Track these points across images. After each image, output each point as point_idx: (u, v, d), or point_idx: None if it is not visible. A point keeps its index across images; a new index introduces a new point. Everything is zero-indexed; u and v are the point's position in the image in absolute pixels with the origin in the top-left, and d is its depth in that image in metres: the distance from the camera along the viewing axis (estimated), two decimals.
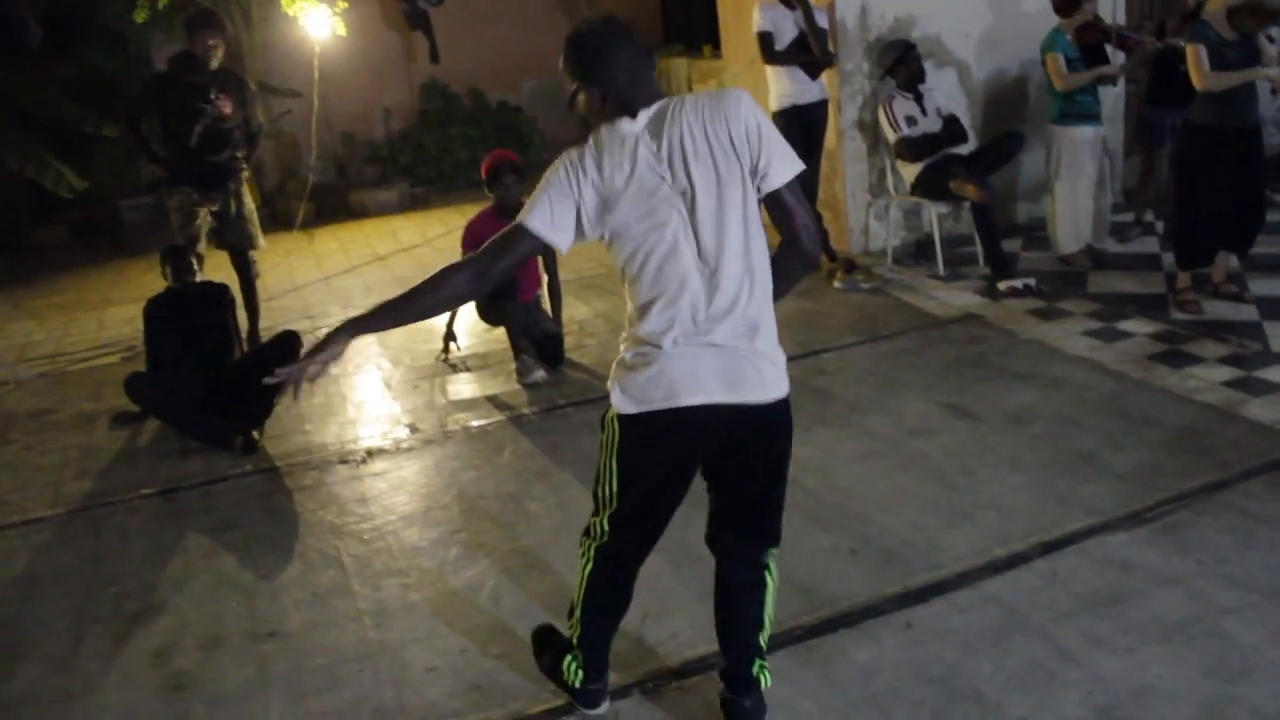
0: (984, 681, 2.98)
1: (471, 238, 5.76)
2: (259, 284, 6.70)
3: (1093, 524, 3.75)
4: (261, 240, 6.63)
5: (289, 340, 5.32)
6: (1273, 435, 4.33)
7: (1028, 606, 3.29)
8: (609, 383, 2.62)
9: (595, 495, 2.73)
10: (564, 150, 2.51)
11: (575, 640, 2.92)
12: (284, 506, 4.51)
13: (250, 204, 6.53)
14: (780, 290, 2.61)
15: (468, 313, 6.06)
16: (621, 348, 2.60)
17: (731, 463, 2.66)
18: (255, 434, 5.09)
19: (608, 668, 2.99)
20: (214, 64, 6.05)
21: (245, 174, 6.48)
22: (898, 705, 2.93)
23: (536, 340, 5.68)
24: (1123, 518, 3.77)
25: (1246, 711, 2.78)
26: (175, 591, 3.90)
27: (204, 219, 6.26)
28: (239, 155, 6.35)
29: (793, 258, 2.62)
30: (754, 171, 2.47)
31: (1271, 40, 5.63)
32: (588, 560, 2.80)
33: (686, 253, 2.46)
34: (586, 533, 2.80)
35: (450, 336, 5.99)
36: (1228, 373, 4.98)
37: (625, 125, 2.46)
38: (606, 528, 2.72)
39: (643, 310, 2.51)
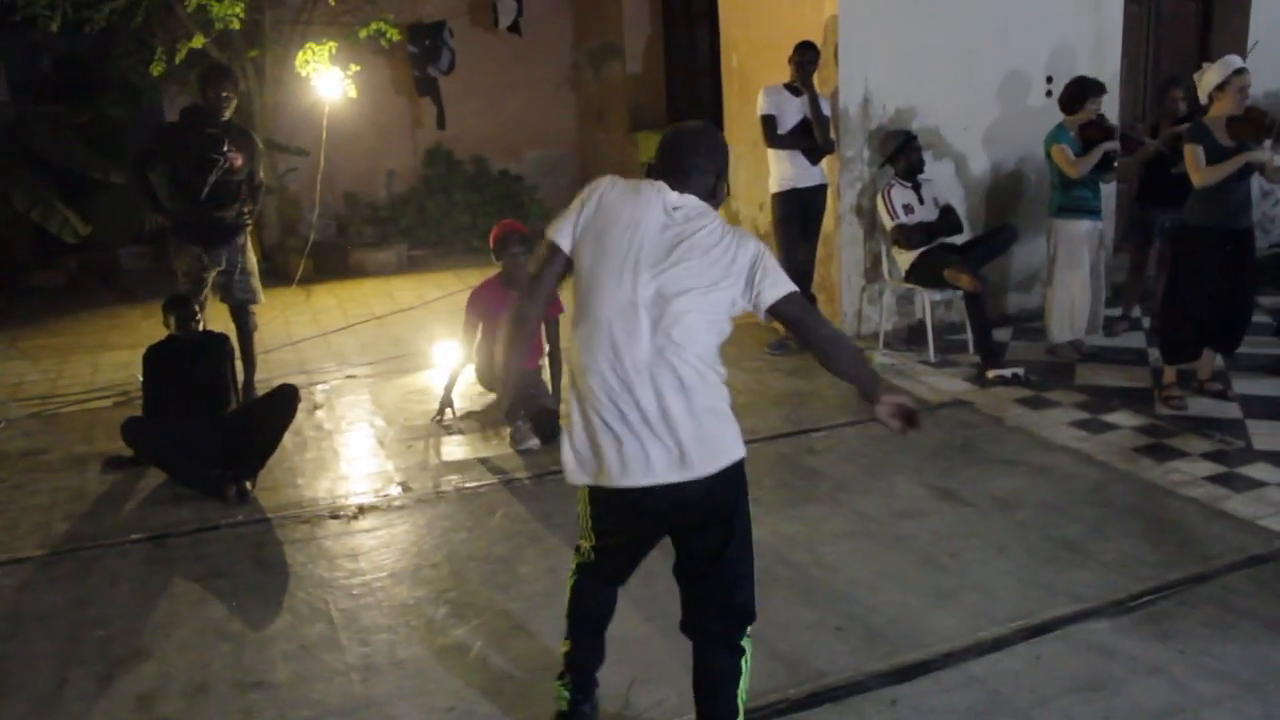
0: None
1: (475, 307, 5.81)
2: (256, 337, 6.75)
3: (1076, 610, 3.80)
4: (262, 295, 6.69)
5: (287, 394, 5.36)
6: (1253, 530, 4.40)
7: (1011, 689, 3.33)
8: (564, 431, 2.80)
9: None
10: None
11: (565, 660, 3.12)
12: (274, 558, 4.53)
13: (253, 259, 6.59)
14: (855, 372, 2.80)
15: (466, 376, 6.12)
16: (572, 397, 2.77)
17: (686, 526, 2.80)
18: (249, 484, 5.11)
19: (594, 693, 3.15)
20: (226, 115, 6.15)
21: (249, 228, 6.55)
22: None
23: (533, 415, 5.68)
24: (1106, 605, 3.83)
25: None
26: (162, 637, 3.90)
27: (210, 278, 6.32)
28: (245, 211, 6.41)
29: (836, 352, 2.77)
30: (749, 281, 2.68)
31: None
32: (573, 574, 3.03)
33: (639, 311, 2.62)
34: (577, 549, 3.02)
35: (448, 402, 6.04)
36: (1210, 468, 5.06)
37: (660, 181, 2.74)
38: (589, 550, 2.95)
39: (584, 361, 2.69)
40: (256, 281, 6.59)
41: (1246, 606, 3.80)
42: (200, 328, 5.61)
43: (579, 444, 2.72)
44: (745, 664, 2.86)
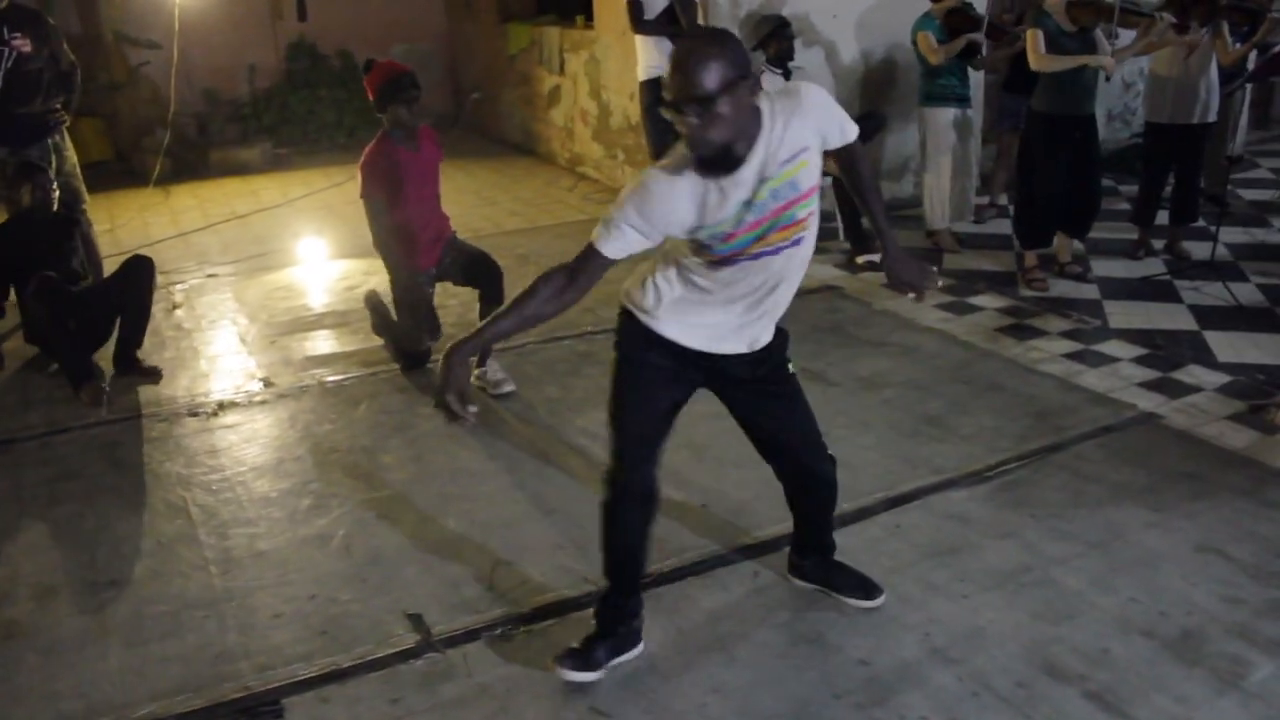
0: (827, 626, 3.08)
1: (375, 177, 4.62)
2: (103, 240, 6.36)
3: (936, 481, 3.90)
4: (85, 196, 6.23)
5: (141, 262, 5.17)
6: (1106, 403, 4.56)
7: (871, 557, 3.40)
8: None
9: None
10: None
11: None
12: (129, 458, 4.36)
13: (73, 158, 6.13)
14: None
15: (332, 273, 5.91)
16: None
17: None
18: (104, 385, 4.91)
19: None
20: (2, 3, 5.65)
21: (66, 124, 6.06)
22: (742, 647, 3.00)
23: (471, 276, 4.88)
24: (964, 476, 3.93)
25: (1068, 650, 2.93)
26: (7, 542, 3.74)
27: None
28: (57, 106, 5.95)
29: None
30: None
31: (1111, 37, 5.86)
32: None
33: None
34: None
35: (433, 326, 4.81)
36: (1068, 345, 5.22)
37: None
38: None
39: None
40: (78, 183, 6.14)
41: (1095, 473, 3.94)
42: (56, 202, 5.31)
43: None
44: None
